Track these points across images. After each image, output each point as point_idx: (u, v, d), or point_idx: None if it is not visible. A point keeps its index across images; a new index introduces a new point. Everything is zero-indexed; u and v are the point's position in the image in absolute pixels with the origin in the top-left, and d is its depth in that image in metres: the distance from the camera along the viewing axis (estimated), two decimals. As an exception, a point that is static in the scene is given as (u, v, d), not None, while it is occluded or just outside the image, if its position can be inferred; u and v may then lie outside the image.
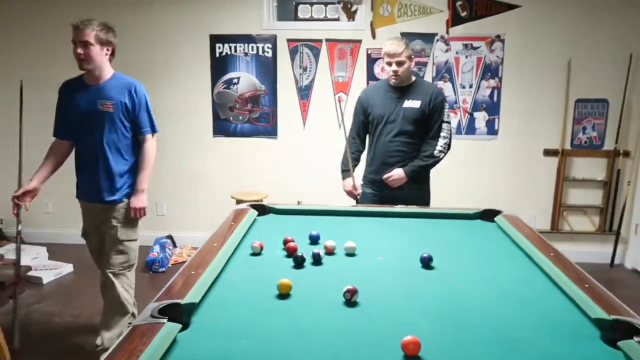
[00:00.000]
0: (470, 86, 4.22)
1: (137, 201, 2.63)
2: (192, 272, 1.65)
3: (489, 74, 4.20)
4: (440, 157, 2.86)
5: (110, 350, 1.18)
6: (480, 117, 4.25)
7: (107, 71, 2.58)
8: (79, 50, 2.45)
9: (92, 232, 2.74)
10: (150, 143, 2.67)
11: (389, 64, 2.84)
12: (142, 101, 2.61)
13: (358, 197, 3.04)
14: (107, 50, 2.54)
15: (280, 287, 1.57)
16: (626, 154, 4.20)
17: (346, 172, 3.06)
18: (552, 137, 4.24)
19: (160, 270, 3.91)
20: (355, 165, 3.05)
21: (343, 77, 4.30)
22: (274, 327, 1.37)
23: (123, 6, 4.28)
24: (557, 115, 4.21)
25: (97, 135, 2.56)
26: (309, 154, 4.41)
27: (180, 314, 1.38)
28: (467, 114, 4.25)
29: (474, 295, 1.60)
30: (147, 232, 4.42)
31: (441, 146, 2.86)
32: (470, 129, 4.26)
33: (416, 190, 2.93)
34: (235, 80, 4.32)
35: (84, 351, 2.83)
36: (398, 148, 2.90)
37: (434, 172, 3.00)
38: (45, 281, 3.77)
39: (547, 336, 1.33)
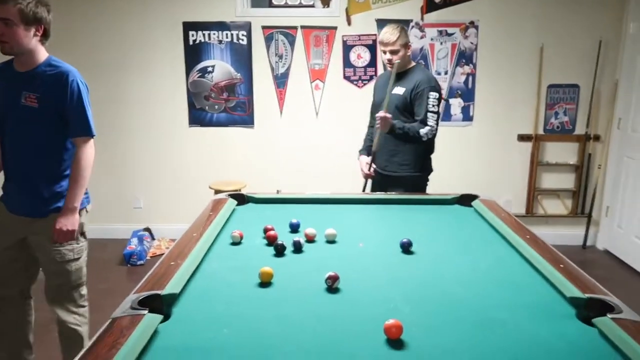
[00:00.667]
0: (446, 72, 4.25)
1: (63, 221, 2.09)
2: (172, 263, 1.63)
3: (464, 61, 4.23)
4: (422, 139, 2.80)
5: (89, 343, 1.16)
6: (456, 104, 4.29)
7: (38, 56, 2.07)
8: None
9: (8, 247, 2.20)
10: (84, 150, 2.11)
11: (384, 52, 2.86)
12: (74, 95, 2.06)
13: (369, 176, 3.02)
14: (37, 30, 2.03)
15: (262, 275, 1.57)
16: (596, 138, 4.30)
17: (360, 150, 3.17)
18: (526, 123, 4.31)
19: (139, 263, 3.85)
20: (370, 146, 3.03)
21: (319, 65, 4.27)
22: (256, 315, 1.37)
23: None
24: (531, 101, 4.27)
25: (21, 134, 2.10)
26: (286, 143, 4.39)
27: (161, 305, 1.37)
28: (442, 100, 4.27)
29: (453, 279, 1.63)
30: (124, 225, 4.37)
31: (425, 132, 2.78)
32: (446, 116, 4.29)
33: (416, 179, 2.94)
34: (210, 69, 4.25)
35: None
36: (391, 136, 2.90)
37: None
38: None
39: (525, 316, 1.37)
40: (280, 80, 4.29)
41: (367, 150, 3.09)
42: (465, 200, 2.52)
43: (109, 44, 4.22)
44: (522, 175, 4.38)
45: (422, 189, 2.95)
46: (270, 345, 1.22)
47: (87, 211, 2.27)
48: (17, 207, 2.16)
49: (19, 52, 2.03)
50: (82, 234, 2.23)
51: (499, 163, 4.38)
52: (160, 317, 1.30)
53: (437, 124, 2.84)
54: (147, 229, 4.26)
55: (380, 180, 3.00)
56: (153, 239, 4.27)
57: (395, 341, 1.22)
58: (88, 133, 2.12)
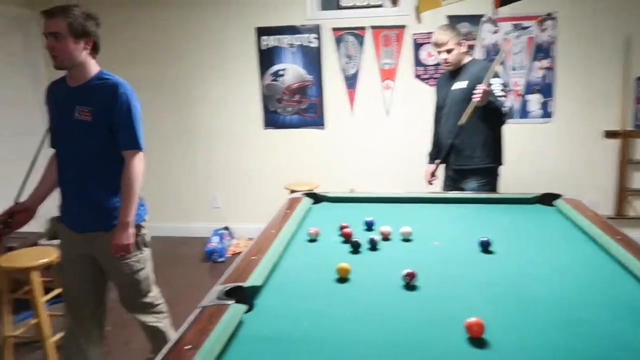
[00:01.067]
0: (522, 68, 4.08)
1: (118, 237, 2.06)
2: (253, 258, 1.70)
3: (541, 55, 4.04)
4: (504, 117, 2.85)
5: (181, 330, 1.24)
6: (534, 100, 4.10)
7: (89, 70, 2.07)
8: (49, 44, 1.98)
9: (72, 264, 2.22)
10: (133, 163, 2.06)
11: (439, 52, 2.94)
12: (124, 108, 2.04)
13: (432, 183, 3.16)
14: (86, 44, 2.02)
15: (339, 271, 1.60)
16: (695, 133, 3.95)
17: (430, 154, 3.25)
18: (612, 118, 4.04)
19: (219, 260, 4.05)
20: (436, 152, 3.15)
21: (389, 64, 4.26)
22: (334, 309, 1.40)
23: (169, 4, 4.40)
24: (616, 95, 4.00)
25: (76, 148, 2.09)
26: (357, 143, 4.41)
27: (244, 297, 1.43)
28: (519, 97, 4.11)
29: (535, 278, 1.57)
30: (204, 224, 4.59)
31: (505, 111, 2.82)
32: (524, 113, 4.12)
33: (489, 169, 2.96)
34: (282, 72, 4.37)
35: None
36: (451, 133, 2.89)
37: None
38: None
39: (612, 317, 1.30)
40: (350, 81, 4.32)
41: (435, 155, 3.15)
42: (547, 199, 2.41)
43: (188, 52, 4.46)
44: (608, 174, 4.11)
45: (494, 179, 2.97)
46: (348, 340, 1.24)
47: (144, 222, 2.24)
48: (79, 224, 2.15)
49: (70, 66, 2.03)
50: (145, 244, 2.23)
51: (581, 161, 4.14)
52: (244, 307, 1.36)
53: (506, 105, 2.85)
54: (226, 228, 4.44)
55: (452, 175, 3.01)
56: (232, 237, 4.45)
57: (476, 339, 1.20)
58: (136, 146, 2.08)
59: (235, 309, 1.34)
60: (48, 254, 2.66)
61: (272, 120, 4.47)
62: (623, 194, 4.09)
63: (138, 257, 2.19)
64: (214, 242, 4.11)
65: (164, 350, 1.14)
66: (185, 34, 4.44)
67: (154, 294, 2.33)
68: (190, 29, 4.44)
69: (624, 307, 1.35)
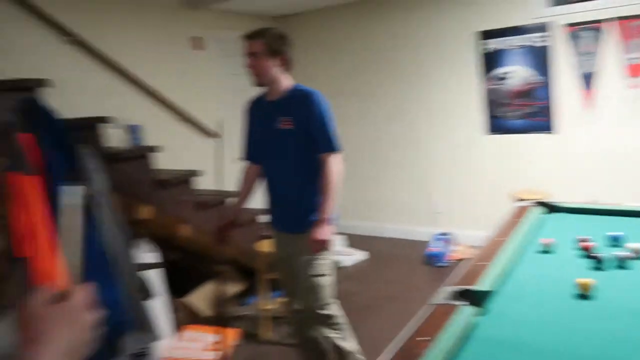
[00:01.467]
0: None
1: (318, 232, 2.22)
2: (482, 263, 1.71)
3: None
4: None
5: (413, 324, 1.33)
6: None
7: (285, 84, 2.33)
8: (249, 63, 2.27)
9: (282, 263, 2.49)
10: (331, 164, 2.26)
11: None
12: (319, 114, 2.25)
13: None
14: (280, 61, 2.28)
15: (581, 285, 1.50)
16: None
17: None
18: None
19: (439, 264, 4.10)
20: None
21: (637, 59, 3.69)
22: (575, 323, 1.32)
23: (391, 7, 4.64)
24: None
25: (282, 156, 2.35)
26: (596, 149, 3.95)
27: (474, 300, 1.46)
28: None
29: None
30: (425, 228, 4.70)
31: None
32: None
33: None
34: (506, 75, 4.20)
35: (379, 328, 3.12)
36: None
37: None
38: (345, 264, 4.30)
39: None
40: (587, 81, 3.89)
41: None
42: None
43: (404, 58, 4.65)
44: None
45: None
46: (587, 354, 1.16)
47: (334, 225, 2.32)
48: (284, 225, 2.44)
49: (267, 82, 2.30)
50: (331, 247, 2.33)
51: None
52: (477, 309, 1.40)
53: None
54: (447, 233, 4.47)
55: None
56: (453, 243, 4.46)
57: None
58: (333, 148, 2.28)
59: (467, 310, 1.38)
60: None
61: (496, 125, 4.32)
62: None
63: (325, 261, 2.33)
64: (435, 246, 4.17)
65: (401, 340, 1.25)
66: (401, 42, 4.64)
67: (334, 309, 2.39)
68: (407, 36, 4.61)
69: None
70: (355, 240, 4.80)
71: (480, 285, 1.52)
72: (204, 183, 3.60)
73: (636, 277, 1.60)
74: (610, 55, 3.81)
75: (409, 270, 4.10)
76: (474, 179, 4.51)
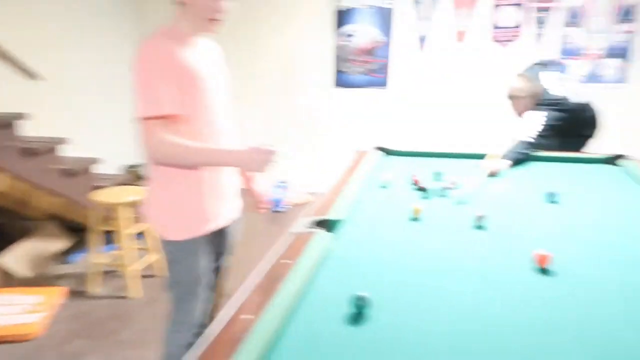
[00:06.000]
0: (602, 31, 3.95)
1: None
2: (332, 197, 1.87)
3: (624, 18, 3.90)
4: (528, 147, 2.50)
5: (276, 250, 1.42)
6: (610, 64, 3.99)
7: None
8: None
9: None
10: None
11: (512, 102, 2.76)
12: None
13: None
14: None
15: (414, 210, 1.74)
16: None
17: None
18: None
19: (280, 209, 4.30)
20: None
21: (464, 26, 4.21)
22: (412, 241, 1.55)
23: None
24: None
25: None
26: (425, 105, 4.46)
27: (329, 227, 1.60)
28: (595, 59, 4.00)
29: (601, 224, 1.66)
30: (266, 175, 4.82)
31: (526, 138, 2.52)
32: (597, 76, 4.02)
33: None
34: (354, 33, 4.44)
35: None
36: None
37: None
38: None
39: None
40: (421, 43, 4.33)
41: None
42: (614, 160, 2.44)
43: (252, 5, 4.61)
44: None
45: None
46: (424, 262, 1.39)
47: None
48: None
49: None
50: None
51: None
52: (331, 234, 1.54)
53: (540, 129, 2.52)
54: (286, 181, 4.66)
55: None
56: (291, 190, 4.67)
57: (543, 269, 1.32)
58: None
59: (323, 236, 1.51)
60: (133, 192, 2.96)
61: (342, 80, 4.58)
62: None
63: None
64: (275, 193, 4.36)
65: (268, 262, 1.33)
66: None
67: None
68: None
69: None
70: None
71: (332, 215, 1.67)
72: (33, 130, 3.20)
73: (453, 202, 1.92)
74: (444, 21, 4.27)
75: (249, 216, 4.20)
76: (315, 128, 4.75)
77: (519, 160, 2.41)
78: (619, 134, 4.02)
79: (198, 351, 0.95)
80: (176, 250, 1.68)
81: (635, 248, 1.47)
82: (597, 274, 1.31)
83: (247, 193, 2.02)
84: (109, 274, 3.20)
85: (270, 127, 4.86)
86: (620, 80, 4.00)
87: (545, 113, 2.54)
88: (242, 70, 4.76)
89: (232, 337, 0.98)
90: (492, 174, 2.28)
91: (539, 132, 2.50)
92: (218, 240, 1.84)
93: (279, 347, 1.00)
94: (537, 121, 2.53)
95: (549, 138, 2.54)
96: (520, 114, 2.72)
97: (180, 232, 1.66)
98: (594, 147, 2.77)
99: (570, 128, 2.64)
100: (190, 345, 1.71)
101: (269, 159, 1.65)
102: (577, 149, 2.71)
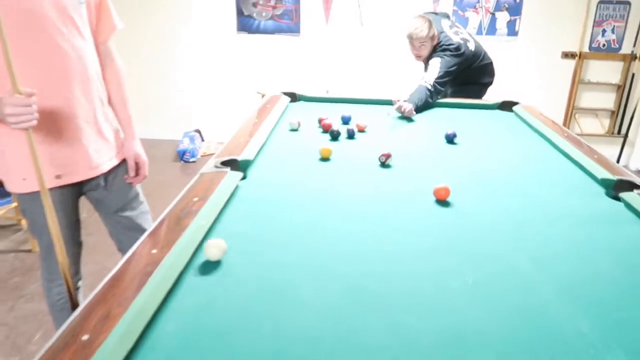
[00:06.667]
0: (494, -15, 4.17)
1: None
2: (242, 139, 1.84)
3: (514, -27, 4.14)
4: (432, 91, 2.57)
5: (186, 189, 1.39)
6: (502, 18, 4.24)
7: None
8: None
9: None
10: None
11: (412, 45, 2.75)
12: None
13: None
14: None
15: (322, 151, 1.77)
16: (643, 58, 4.24)
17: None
18: (572, 40, 4.25)
19: (191, 160, 4.16)
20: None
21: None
22: (320, 180, 1.58)
23: None
24: (578, 18, 4.18)
25: None
26: (332, 51, 4.46)
27: (238, 168, 1.59)
28: (488, 14, 4.23)
29: (494, 162, 1.80)
30: (175, 127, 4.64)
31: (428, 80, 2.58)
32: (491, 29, 4.26)
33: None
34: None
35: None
36: None
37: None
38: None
39: (559, 193, 1.54)
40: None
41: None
42: (507, 106, 2.63)
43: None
44: (562, 92, 4.39)
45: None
46: (332, 199, 1.44)
47: None
48: None
49: None
50: None
51: (541, 79, 4.38)
52: (240, 174, 1.53)
53: (434, 81, 2.57)
54: (197, 131, 4.51)
55: None
56: (203, 140, 4.54)
57: (443, 202, 1.42)
58: None
59: (232, 176, 1.50)
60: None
61: (246, 25, 4.42)
62: (572, 111, 4.41)
63: None
64: (185, 143, 4.20)
65: (176, 200, 1.30)
66: None
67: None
68: None
69: (568, 186, 1.60)
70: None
71: (242, 156, 1.66)
72: None
73: (360, 144, 1.98)
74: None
75: (161, 168, 4.06)
76: (225, 77, 4.60)
77: (421, 104, 2.50)
78: (511, 83, 4.36)
79: (106, 284, 0.91)
80: (23, 202, 1.57)
81: (522, 183, 1.62)
82: (487, 205, 1.43)
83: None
84: (9, 227, 3.02)
85: (174, 77, 4.62)
86: (513, 33, 4.28)
87: (443, 59, 2.66)
88: (139, 19, 4.43)
89: (141, 272, 0.96)
90: (398, 112, 2.37)
91: (438, 78, 2.59)
92: (95, 196, 1.70)
93: (185, 280, 0.99)
94: (435, 67, 2.63)
95: (449, 84, 2.67)
96: (418, 56, 2.80)
97: (20, 185, 1.52)
98: (490, 95, 2.97)
99: (470, 75, 2.80)
100: (69, 293, 1.63)
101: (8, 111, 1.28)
102: (477, 96, 2.89)
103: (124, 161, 1.74)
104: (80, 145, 1.55)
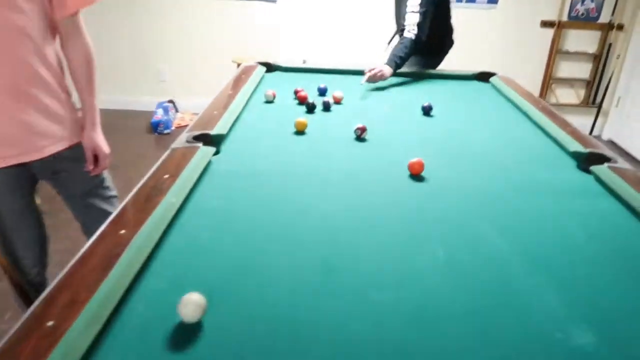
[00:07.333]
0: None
1: None
2: (215, 112, 1.80)
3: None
4: (414, 42, 2.49)
5: (156, 165, 1.36)
6: (482, -15, 4.19)
7: None
8: None
9: None
10: None
11: None
12: None
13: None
14: None
15: (297, 124, 1.75)
16: (620, 27, 4.25)
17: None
18: (551, 8, 4.23)
19: (165, 131, 4.07)
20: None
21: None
22: (294, 153, 1.57)
23: None
24: (559, -15, 4.16)
25: None
26: (310, 19, 4.35)
27: (211, 142, 1.56)
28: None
29: (469, 134, 1.80)
30: (149, 97, 4.52)
31: (409, 37, 2.49)
32: (471, -2, 4.22)
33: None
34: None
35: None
36: None
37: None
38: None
39: (531, 165, 1.56)
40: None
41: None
42: (484, 77, 2.62)
43: None
44: (540, 62, 4.40)
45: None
46: (306, 173, 1.43)
47: None
48: None
49: None
50: None
51: (519, 48, 4.37)
52: (213, 149, 1.50)
53: (417, 21, 2.50)
54: (171, 101, 4.41)
55: None
56: (177, 111, 4.44)
57: (417, 176, 1.42)
58: None
59: (204, 150, 1.47)
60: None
61: (220, -11, 4.28)
62: (548, 81, 4.43)
63: None
64: (159, 115, 4.10)
65: (146, 177, 1.27)
66: None
67: None
68: None
69: (540, 159, 1.62)
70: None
71: (214, 130, 1.62)
72: None
73: (336, 116, 1.96)
74: None
75: (134, 139, 3.97)
76: (200, 45, 4.47)
77: (403, 61, 2.44)
78: (490, 53, 4.35)
79: (71, 268, 0.89)
80: None
81: (496, 156, 1.63)
82: (461, 179, 1.44)
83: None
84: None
85: (146, 45, 4.47)
86: (493, 1, 4.23)
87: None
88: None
89: (109, 253, 0.94)
90: (374, 79, 2.34)
91: (419, 24, 2.48)
92: (52, 180, 1.62)
93: (156, 260, 0.98)
94: (414, 14, 2.50)
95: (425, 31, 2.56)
96: None
97: None
98: (468, 64, 2.95)
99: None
100: (29, 283, 1.59)
101: None
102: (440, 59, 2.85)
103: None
104: (16, 124, 1.42)
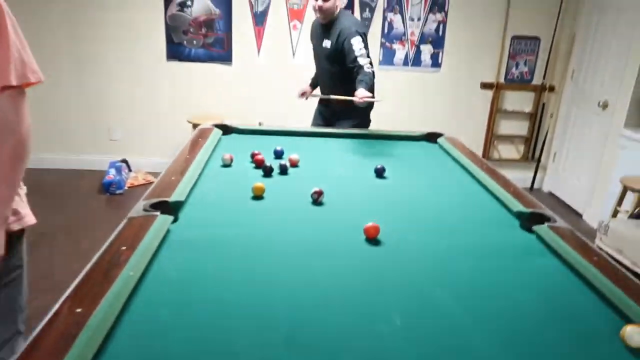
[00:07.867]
0: (419, 19, 4.40)
1: None
2: (173, 178, 1.81)
3: (436, 8, 4.39)
4: (372, 77, 2.74)
5: (113, 236, 1.35)
6: (426, 50, 4.48)
7: None
8: None
9: None
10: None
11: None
12: None
13: (304, 98, 3.31)
14: None
15: (255, 189, 1.78)
16: (551, 88, 4.62)
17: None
18: (489, 72, 4.57)
19: (118, 192, 3.97)
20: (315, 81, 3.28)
21: (298, 5, 4.33)
22: (253, 220, 1.59)
23: None
24: (495, 51, 4.51)
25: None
26: (263, 81, 4.49)
27: (169, 210, 1.56)
28: (414, 46, 4.46)
29: (420, 196, 1.89)
30: (100, 157, 4.45)
31: (368, 72, 2.71)
32: (417, 61, 4.49)
33: (361, 116, 2.98)
34: (189, 3, 4.24)
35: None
36: (329, 82, 3.03)
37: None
38: None
39: (478, 226, 1.65)
40: (259, 19, 4.33)
41: (314, 83, 3.30)
42: (432, 137, 2.77)
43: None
44: (482, 120, 4.68)
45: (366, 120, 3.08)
46: (265, 240, 1.45)
47: None
48: None
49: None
50: None
51: (462, 109, 4.65)
52: (171, 217, 1.50)
53: (370, 61, 2.77)
54: (124, 161, 4.35)
55: (325, 114, 3.21)
56: (130, 170, 4.38)
57: (372, 240, 1.47)
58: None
59: (162, 219, 1.47)
60: None
61: (177, 52, 4.36)
62: (491, 138, 4.71)
63: None
64: (112, 174, 4.02)
65: (103, 249, 1.26)
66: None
67: None
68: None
69: (486, 219, 1.72)
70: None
71: (172, 197, 1.63)
72: None
73: (293, 180, 2.01)
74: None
75: (85, 200, 3.86)
76: (153, 105, 4.48)
77: (372, 82, 2.74)
78: (436, 113, 4.60)
79: (23, 353, 0.86)
80: None
81: (446, 218, 1.72)
82: (414, 242, 1.50)
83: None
84: None
85: (100, 105, 4.45)
86: (437, 65, 4.53)
87: (360, 36, 2.76)
88: (65, 44, 4.26)
89: (63, 335, 0.92)
90: (361, 105, 2.58)
91: (368, 56, 2.77)
92: None
93: (114, 340, 0.96)
94: (359, 47, 2.75)
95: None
96: (319, 8, 2.78)
97: None
98: (418, 124, 3.12)
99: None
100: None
101: None
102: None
103: None
104: None
